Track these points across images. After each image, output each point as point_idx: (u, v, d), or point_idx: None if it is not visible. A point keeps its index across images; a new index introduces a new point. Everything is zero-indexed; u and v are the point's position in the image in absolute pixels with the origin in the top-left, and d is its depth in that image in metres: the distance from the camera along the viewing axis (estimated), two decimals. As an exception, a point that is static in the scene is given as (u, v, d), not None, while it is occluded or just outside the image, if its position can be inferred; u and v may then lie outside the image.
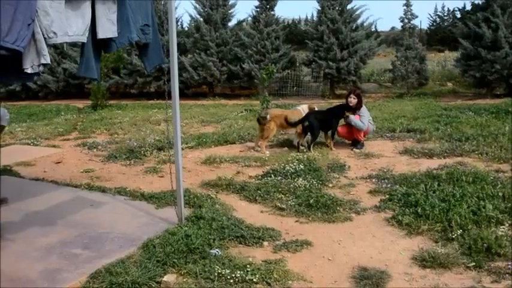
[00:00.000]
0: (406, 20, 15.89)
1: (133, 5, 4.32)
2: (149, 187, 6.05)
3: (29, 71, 3.57)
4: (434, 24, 35.73)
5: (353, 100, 7.96)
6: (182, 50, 16.66)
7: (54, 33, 3.66)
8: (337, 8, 16.38)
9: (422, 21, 57.96)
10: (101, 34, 4.05)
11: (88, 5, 3.95)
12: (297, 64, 17.53)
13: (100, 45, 4.19)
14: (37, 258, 4.06)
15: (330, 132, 8.04)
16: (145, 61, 4.88)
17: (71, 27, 3.83)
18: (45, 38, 3.60)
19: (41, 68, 3.62)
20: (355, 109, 7.95)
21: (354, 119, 7.86)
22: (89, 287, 3.58)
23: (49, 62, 3.65)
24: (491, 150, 7.04)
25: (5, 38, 3.33)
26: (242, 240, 4.32)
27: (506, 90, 14.17)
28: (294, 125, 7.96)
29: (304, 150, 7.65)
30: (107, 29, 4.07)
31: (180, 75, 4.33)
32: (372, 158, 7.29)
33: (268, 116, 8.02)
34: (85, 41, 4.00)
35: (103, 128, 10.74)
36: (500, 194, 5.01)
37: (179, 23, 18.95)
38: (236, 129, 9.89)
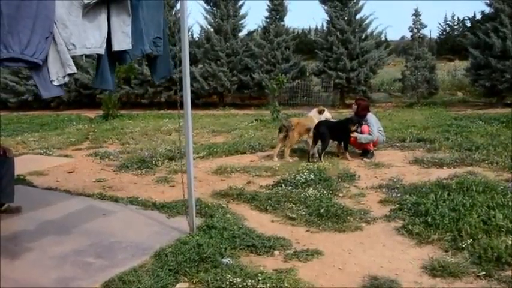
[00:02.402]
0: (415, 30, 15.92)
1: (146, 18, 4.41)
2: (161, 197, 6.10)
3: (55, 83, 3.66)
4: (444, 33, 35.69)
5: (353, 106, 8.45)
6: (193, 60, 16.77)
7: (73, 45, 3.75)
8: (345, 18, 16.42)
9: (432, 31, 57.93)
10: (116, 46, 4.13)
11: (104, 18, 4.04)
12: (307, 74, 17.61)
13: (114, 57, 4.27)
14: (51, 267, 4.11)
15: (343, 144, 8.07)
16: (154, 72, 4.97)
17: (89, 40, 3.92)
18: None
19: (67, 79, 3.70)
20: (361, 117, 8.01)
21: (361, 137, 7.90)
22: (103, 295, 3.64)
23: (75, 71, 3.75)
24: (502, 160, 7.02)
25: (24, 51, 3.40)
26: (253, 250, 4.34)
27: (516, 99, 14.16)
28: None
29: (315, 160, 7.68)
30: (122, 41, 4.15)
31: (190, 85, 4.38)
32: (382, 167, 7.30)
33: (291, 125, 8.07)
34: (102, 53, 4.08)
35: (114, 138, 10.85)
36: (511, 203, 4.98)
37: (190, 34, 19.13)
38: (247, 139, 9.94)
